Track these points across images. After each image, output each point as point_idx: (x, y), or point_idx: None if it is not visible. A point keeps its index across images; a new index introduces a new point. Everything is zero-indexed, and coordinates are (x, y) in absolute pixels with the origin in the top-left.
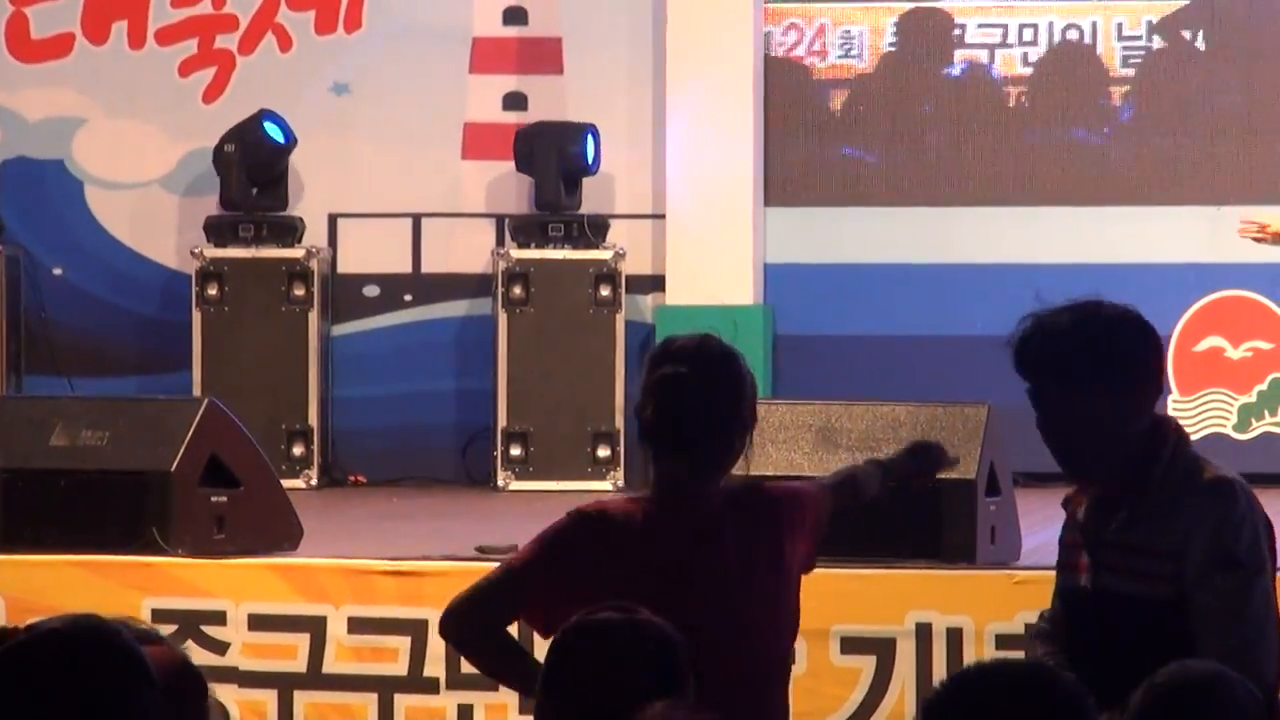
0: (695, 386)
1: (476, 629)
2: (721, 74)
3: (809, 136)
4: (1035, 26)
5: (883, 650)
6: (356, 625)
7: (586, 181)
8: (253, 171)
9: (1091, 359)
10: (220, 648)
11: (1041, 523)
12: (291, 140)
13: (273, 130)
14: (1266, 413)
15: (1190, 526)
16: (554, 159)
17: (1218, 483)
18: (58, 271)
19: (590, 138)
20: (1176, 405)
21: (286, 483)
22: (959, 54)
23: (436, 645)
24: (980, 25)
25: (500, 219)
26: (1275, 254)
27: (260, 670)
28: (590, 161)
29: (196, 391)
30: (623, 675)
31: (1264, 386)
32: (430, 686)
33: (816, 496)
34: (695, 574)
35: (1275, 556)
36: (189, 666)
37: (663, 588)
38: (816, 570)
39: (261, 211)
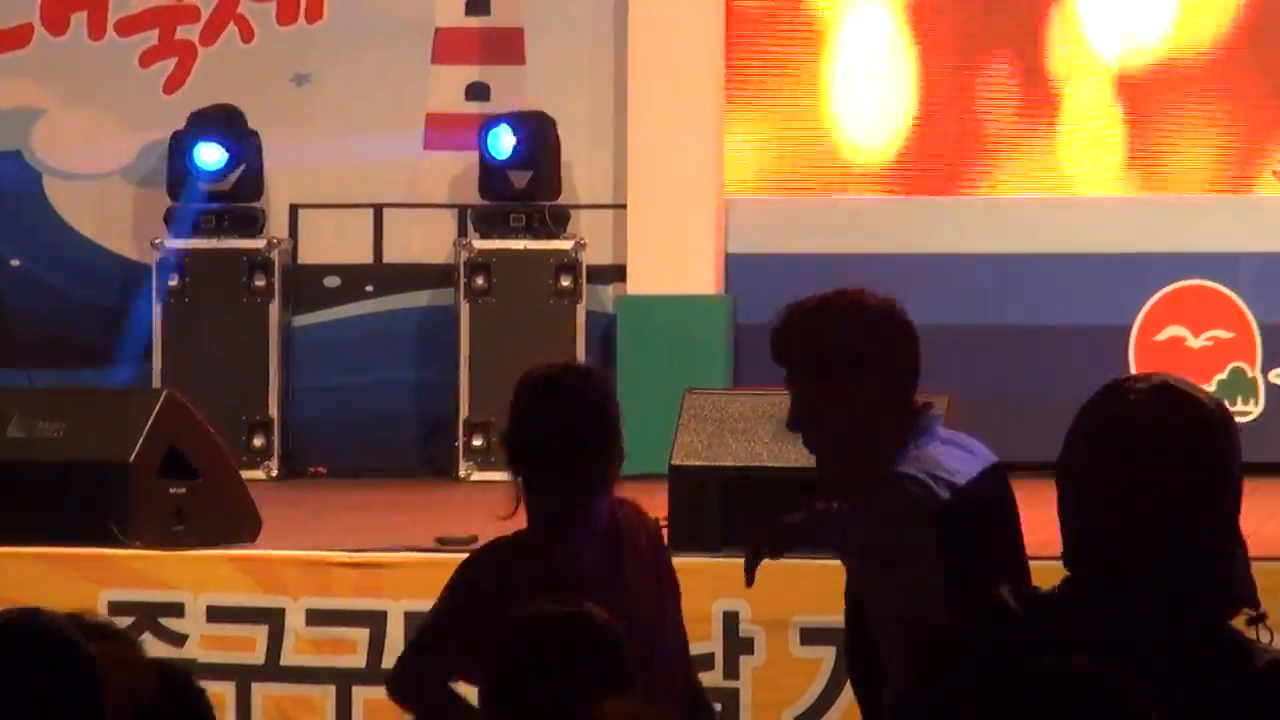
0: (570, 401)
1: (412, 686)
2: (683, 63)
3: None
4: None
5: (843, 641)
6: (315, 617)
7: (546, 171)
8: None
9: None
10: (178, 639)
11: None
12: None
13: (207, 156)
14: (1227, 402)
15: None
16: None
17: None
18: (16, 263)
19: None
20: None
21: (247, 474)
22: None
23: (395, 637)
24: None
25: (462, 209)
26: (1235, 244)
27: (218, 662)
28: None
29: (156, 382)
30: (573, 664)
31: (1224, 375)
32: None
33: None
34: (601, 590)
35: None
36: (148, 661)
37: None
38: (779, 561)
39: (220, 203)
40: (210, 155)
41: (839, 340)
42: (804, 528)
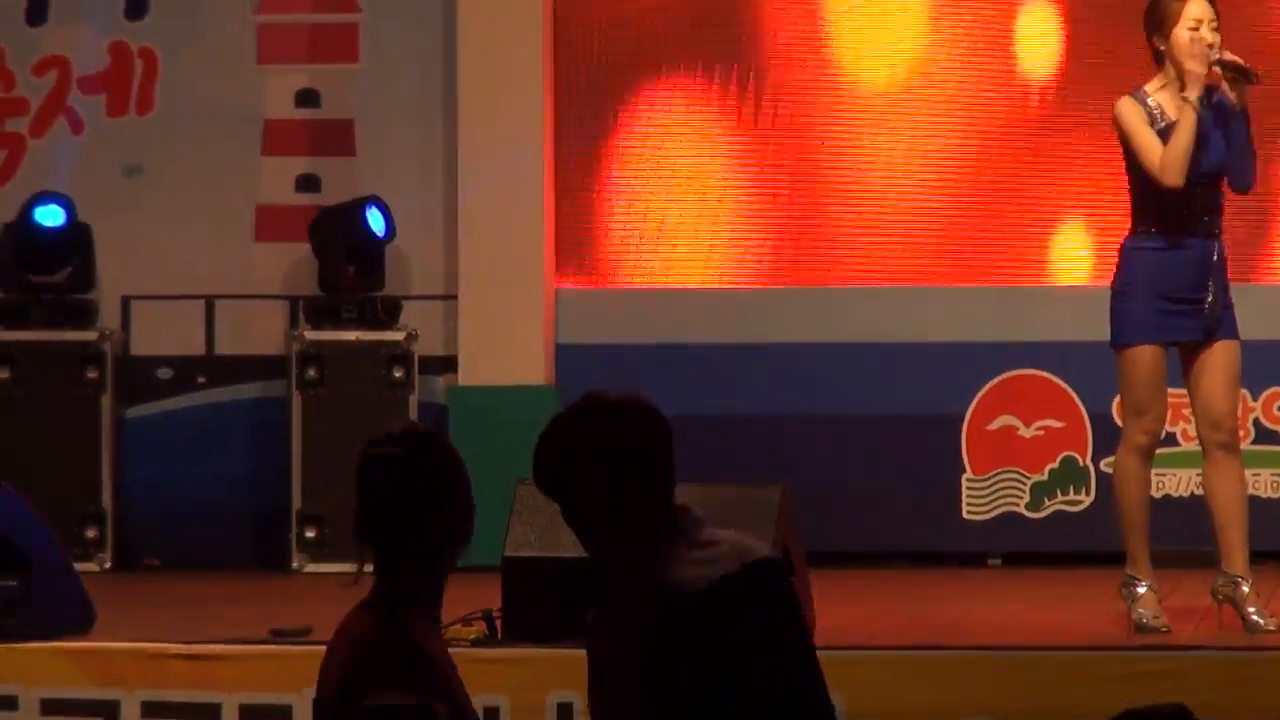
0: (402, 469)
1: None
2: (513, 155)
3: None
4: None
5: None
6: (150, 709)
7: (379, 262)
8: (34, 256)
9: None
10: None
11: (839, 602)
12: (72, 224)
13: (48, 216)
14: (1059, 491)
15: None
16: (341, 238)
17: None
18: None
19: (374, 209)
20: (970, 484)
21: (80, 566)
22: None
23: None
24: None
25: (294, 300)
26: (1066, 333)
27: None
28: (381, 233)
29: None
30: None
31: (1056, 465)
32: None
33: None
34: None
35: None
36: None
37: None
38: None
39: (51, 294)
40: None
41: (578, 455)
42: None
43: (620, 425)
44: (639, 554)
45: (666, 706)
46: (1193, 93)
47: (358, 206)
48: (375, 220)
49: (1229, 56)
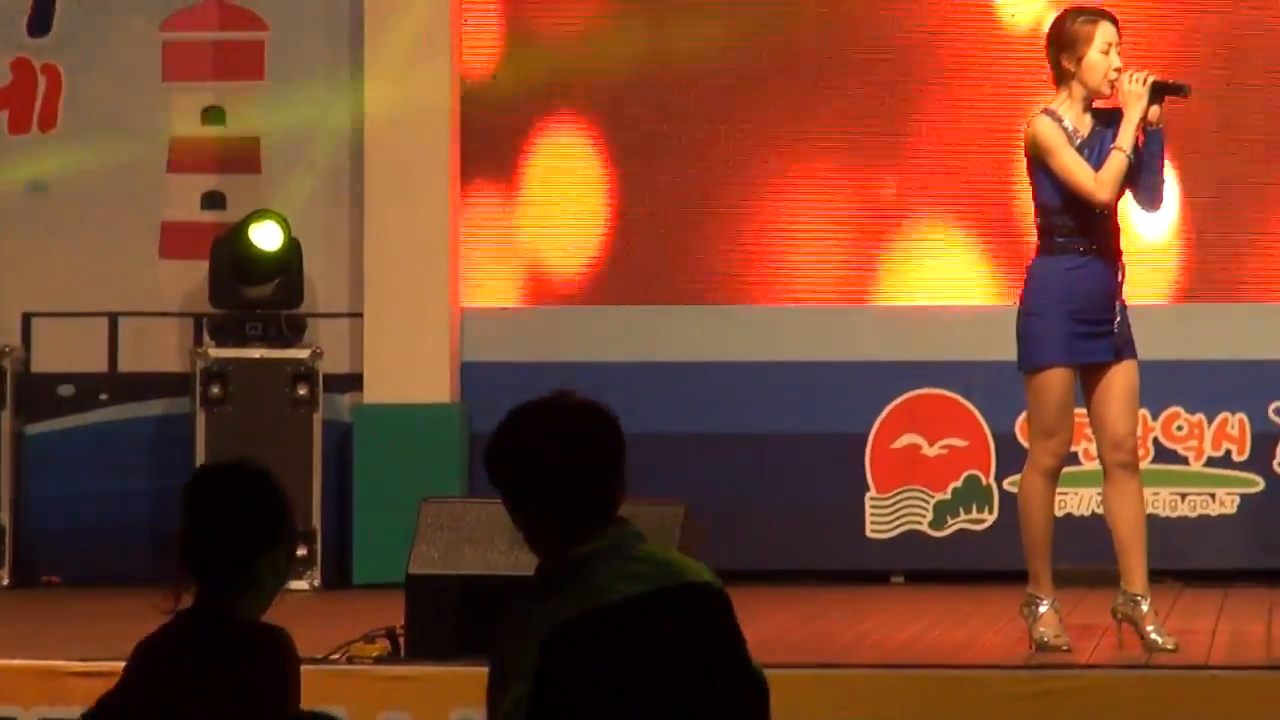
0: (227, 506)
1: None
2: (419, 172)
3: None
4: None
5: None
6: None
7: (284, 280)
8: None
9: None
10: None
11: (741, 620)
12: None
13: None
14: (962, 510)
15: None
16: (238, 255)
17: None
18: None
19: (265, 223)
20: (874, 502)
21: None
22: None
23: None
24: None
25: (198, 318)
26: (969, 353)
27: None
28: (271, 247)
29: None
30: None
31: (959, 484)
32: None
33: None
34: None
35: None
36: None
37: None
38: None
39: None
40: None
41: (529, 450)
42: None
43: (576, 428)
44: (572, 557)
45: (567, 712)
46: (1135, 114)
47: (247, 223)
48: (265, 235)
49: (1158, 79)
